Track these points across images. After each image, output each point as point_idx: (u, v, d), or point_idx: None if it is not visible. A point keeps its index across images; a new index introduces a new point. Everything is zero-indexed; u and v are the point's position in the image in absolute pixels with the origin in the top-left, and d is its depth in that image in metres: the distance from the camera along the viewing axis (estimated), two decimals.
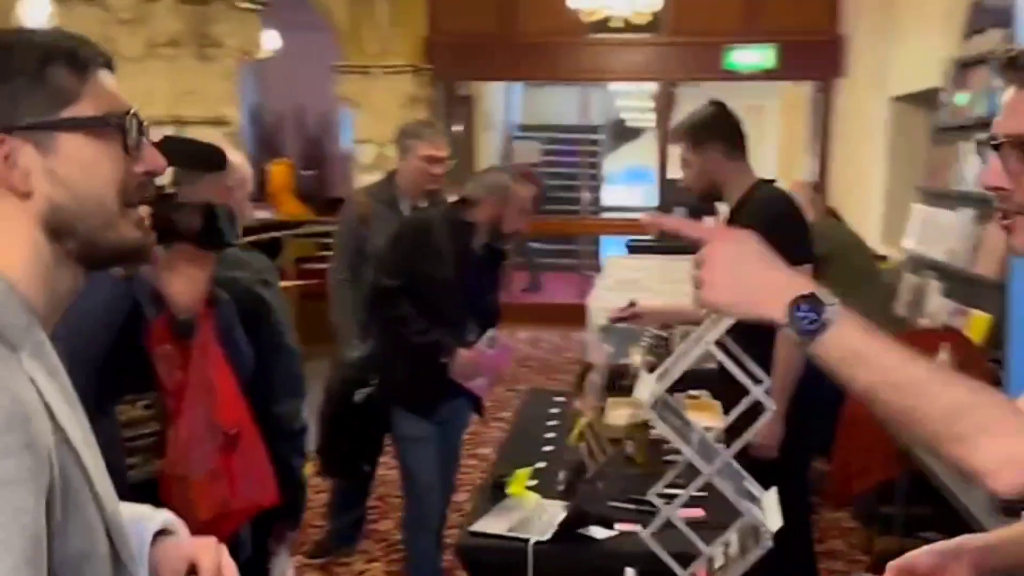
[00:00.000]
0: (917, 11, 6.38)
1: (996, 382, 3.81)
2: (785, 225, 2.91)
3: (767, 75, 8.56)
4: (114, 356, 1.92)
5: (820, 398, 2.97)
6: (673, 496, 2.82)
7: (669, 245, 7.18)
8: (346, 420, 3.63)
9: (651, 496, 2.30)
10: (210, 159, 2.05)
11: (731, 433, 1.90)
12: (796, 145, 9.88)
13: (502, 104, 11.83)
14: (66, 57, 1.02)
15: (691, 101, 9.70)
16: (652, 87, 12.37)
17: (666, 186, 8.72)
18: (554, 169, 11.92)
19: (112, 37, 4.90)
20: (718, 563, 2.48)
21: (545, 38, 8.87)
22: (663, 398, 2.26)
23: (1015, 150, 1.18)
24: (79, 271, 1.06)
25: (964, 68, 5.06)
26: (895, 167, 6.75)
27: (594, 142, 12.53)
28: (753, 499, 2.23)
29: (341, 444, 3.64)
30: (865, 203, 6.92)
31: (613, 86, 12.43)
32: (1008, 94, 1.21)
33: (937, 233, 4.83)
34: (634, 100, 13.76)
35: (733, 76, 8.57)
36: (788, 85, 9.89)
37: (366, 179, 8.67)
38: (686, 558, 2.36)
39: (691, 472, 2.76)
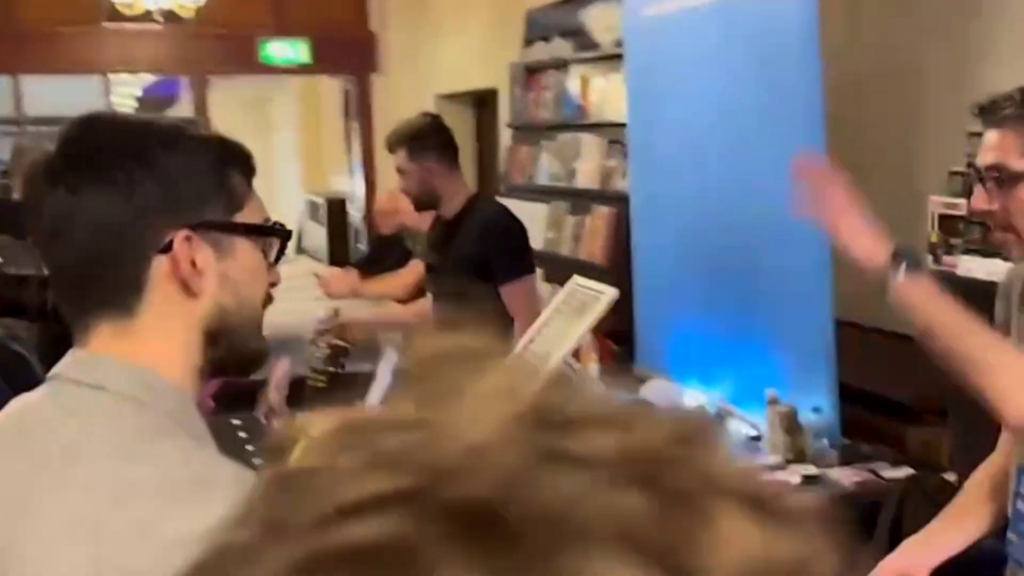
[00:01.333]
0: (460, 15, 6.90)
1: (618, 356, 4.40)
2: (514, 238, 3.16)
3: (303, 69, 8.63)
4: None
5: None
6: None
7: None
8: None
9: None
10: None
11: None
12: (325, 140, 10.09)
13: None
14: (240, 161, 1.01)
15: (218, 91, 9.47)
16: (148, 77, 11.77)
17: None
18: None
19: None
20: None
21: (54, 27, 8.05)
22: None
23: (992, 180, 1.50)
24: (206, 380, 1.04)
25: (529, 72, 5.66)
26: None
27: None
28: None
29: None
30: None
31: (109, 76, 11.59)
32: (986, 135, 1.53)
33: (528, 224, 5.34)
34: (123, 88, 12.99)
35: (270, 69, 8.52)
36: (303, 78, 10.04)
37: None
38: None
39: None
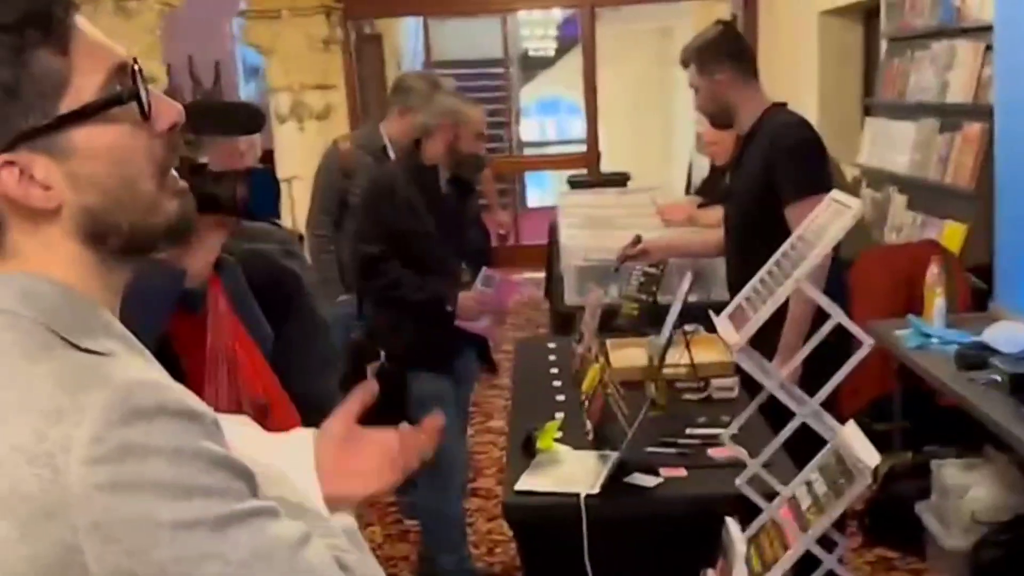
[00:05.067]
0: None
1: (979, 292, 3.87)
2: (805, 152, 2.86)
3: None
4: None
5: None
6: (708, 436, 2.79)
7: (609, 178, 7.11)
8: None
9: (725, 439, 2.26)
10: (251, 120, 1.88)
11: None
12: None
13: (411, 41, 11.51)
14: (41, 32, 0.83)
15: (607, 26, 9.61)
16: (556, 15, 12.20)
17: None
18: None
19: None
20: (805, 503, 2.44)
21: None
22: (745, 339, 2.19)
23: None
24: (127, 263, 0.93)
25: None
26: (829, 83, 6.75)
27: (505, 75, 12.32)
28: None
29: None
30: None
31: (518, 15, 12.20)
32: None
33: (895, 146, 4.85)
34: (539, 29, 13.55)
35: None
36: (701, 4, 9.82)
37: (285, 130, 8.37)
38: (738, 500, 2.32)
39: (728, 409, 2.69)
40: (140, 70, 0.89)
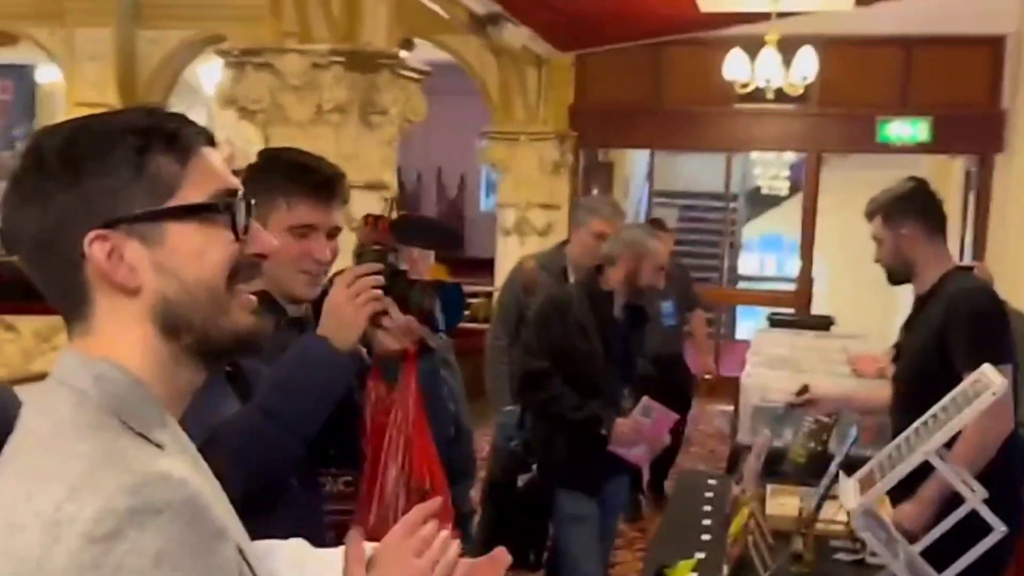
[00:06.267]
0: None
1: None
2: (983, 321, 2.77)
3: (921, 148, 8.31)
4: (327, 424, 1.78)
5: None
6: None
7: (811, 321, 6.99)
8: (510, 508, 3.56)
9: None
10: (450, 241, 2.02)
11: None
12: (949, 221, 9.55)
13: (639, 170, 11.84)
14: (165, 142, 0.95)
15: (838, 171, 9.53)
16: (790, 155, 12.20)
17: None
18: (691, 236, 11.82)
19: (282, 102, 5.12)
20: None
21: (691, 107, 8.83)
22: (867, 506, 2.15)
23: None
24: (198, 366, 1.00)
25: None
26: None
27: (731, 209, 12.42)
28: None
29: (507, 533, 3.54)
30: None
31: (752, 154, 12.32)
32: None
33: None
34: (771, 168, 13.62)
35: (886, 148, 8.34)
36: (937, 159, 9.59)
37: (508, 242, 8.81)
38: None
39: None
40: (250, 203, 1.00)
